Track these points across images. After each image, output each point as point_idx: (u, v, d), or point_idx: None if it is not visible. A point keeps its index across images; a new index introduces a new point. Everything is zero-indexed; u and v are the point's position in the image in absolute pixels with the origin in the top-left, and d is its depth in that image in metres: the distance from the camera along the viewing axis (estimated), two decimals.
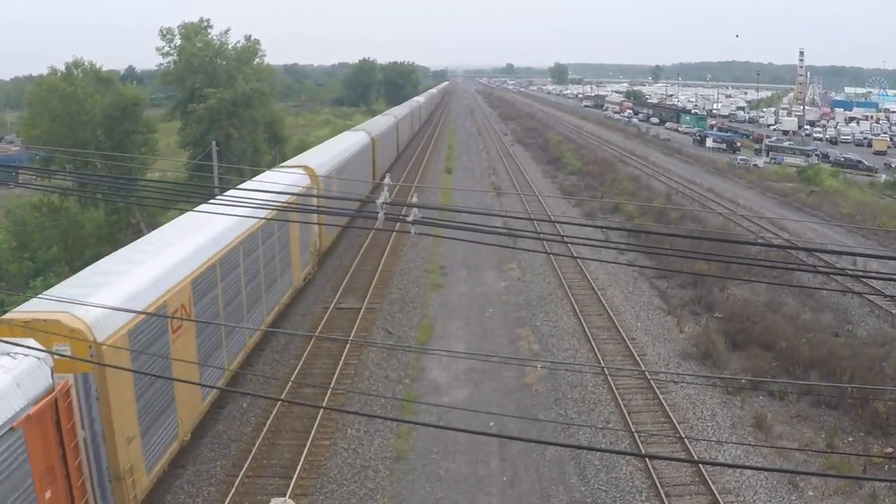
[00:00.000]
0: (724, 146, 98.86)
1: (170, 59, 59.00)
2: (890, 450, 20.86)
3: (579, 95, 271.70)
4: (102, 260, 19.30)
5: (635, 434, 21.28)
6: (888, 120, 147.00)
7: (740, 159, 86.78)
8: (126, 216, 44.79)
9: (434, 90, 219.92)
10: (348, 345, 26.56)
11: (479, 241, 12.27)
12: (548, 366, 25.37)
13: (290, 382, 24.05)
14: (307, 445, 20.30)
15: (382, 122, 72.52)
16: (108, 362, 14.37)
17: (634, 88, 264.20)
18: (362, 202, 17.84)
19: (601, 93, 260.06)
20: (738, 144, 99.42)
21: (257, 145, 62.39)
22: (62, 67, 48.04)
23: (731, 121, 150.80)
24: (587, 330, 29.19)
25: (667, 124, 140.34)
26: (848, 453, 20.70)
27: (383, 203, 10.76)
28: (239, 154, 57.39)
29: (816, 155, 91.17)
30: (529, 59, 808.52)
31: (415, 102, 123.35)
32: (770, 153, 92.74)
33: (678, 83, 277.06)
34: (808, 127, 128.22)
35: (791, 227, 47.68)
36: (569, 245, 28.98)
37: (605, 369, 25.24)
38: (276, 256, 27.62)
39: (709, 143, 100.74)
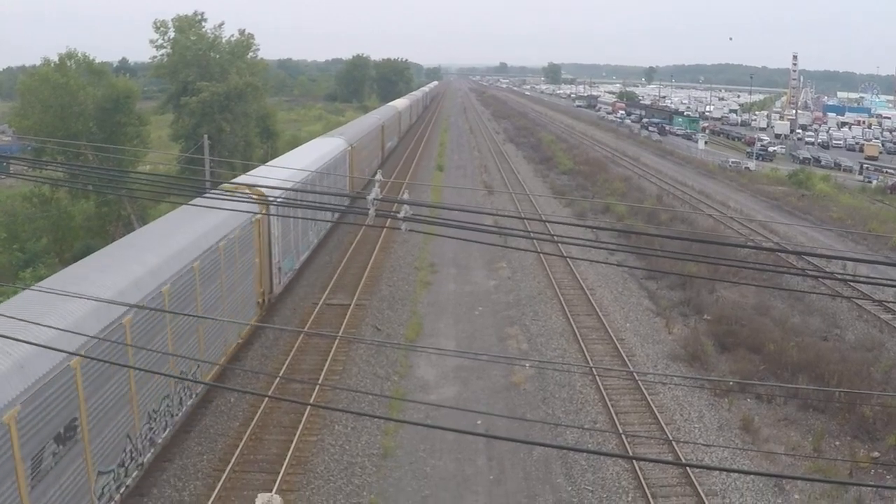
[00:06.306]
0: (656, 131, 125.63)
1: (163, 51, 58.54)
2: (876, 454, 20.95)
3: (572, 95, 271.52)
4: None
5: (623, 435, 21.31)
6: (880, 125, 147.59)
7: (731, 161, 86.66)
8: (117, 208, 44.48)
9: (404, 100, 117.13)
10: (337, 341, 26.50)
11: (470, 239, 12.26)
12: (536, 365, 25.38)
13: (278, 378, 23.99)
14: (294, 441, 20.25)
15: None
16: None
17: (627, 89, 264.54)
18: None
19: (594, 93, 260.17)
20: (667, 129, 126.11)
21: (249, 139, 62.02)
22: (55, 58, 47.73)
23: (723, 123, 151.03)
24: (576, 330, 29.21)
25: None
26: (834, 459, 20.76)
27: (374, 199, 10.68)
28: (231, 148, 57.08)
29: None
30: (523, 58, 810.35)
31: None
32: (863, 171, 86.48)
33: (671, 85, 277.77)
34: (800, 131, 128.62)
35: (781, 231, 47.83)
36: (559, 244, 28.93)
37: (593, 369, 25.26)
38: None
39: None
